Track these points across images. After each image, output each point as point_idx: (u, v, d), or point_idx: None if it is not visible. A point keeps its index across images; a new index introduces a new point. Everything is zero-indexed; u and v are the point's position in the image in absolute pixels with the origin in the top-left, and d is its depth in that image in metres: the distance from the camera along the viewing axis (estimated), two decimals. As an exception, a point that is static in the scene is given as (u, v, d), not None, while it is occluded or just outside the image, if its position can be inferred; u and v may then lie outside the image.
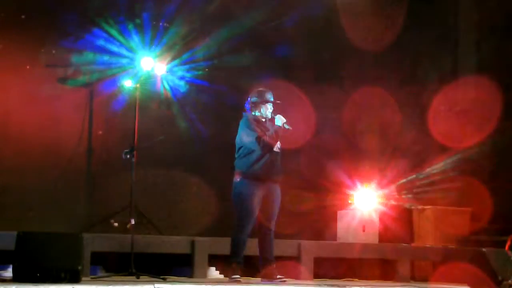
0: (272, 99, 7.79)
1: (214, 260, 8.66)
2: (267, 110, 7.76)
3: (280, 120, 7.67)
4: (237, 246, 7.63)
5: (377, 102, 11.16)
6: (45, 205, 9.27)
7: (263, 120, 7.78)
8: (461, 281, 8.38)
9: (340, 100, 10.78)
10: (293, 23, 10.67)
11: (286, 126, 7.64)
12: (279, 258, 7.98)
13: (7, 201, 9.12)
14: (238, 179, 7.66)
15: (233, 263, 7.61)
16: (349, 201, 10.59)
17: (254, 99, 7.81)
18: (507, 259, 8.26)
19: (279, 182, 7.75)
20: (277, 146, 7.69)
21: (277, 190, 7.72)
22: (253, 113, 7.78)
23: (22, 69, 9.38)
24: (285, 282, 7.67)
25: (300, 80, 10.37)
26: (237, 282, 7.45)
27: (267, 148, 7.60)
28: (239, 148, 7.73)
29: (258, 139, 7.58)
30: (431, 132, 11.12)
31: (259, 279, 7.74)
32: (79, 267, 6.53)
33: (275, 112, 7.78)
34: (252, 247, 7.83)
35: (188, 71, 10.23)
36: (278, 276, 7.65)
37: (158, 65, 9.70)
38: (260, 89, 7.87)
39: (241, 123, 7.78)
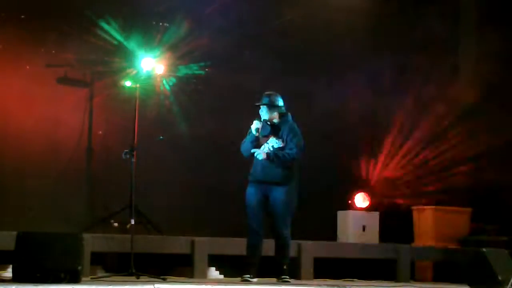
0: (263, 102, 7.91)
1: (214, 260, 8.67)
2: (262, 115, 7.91)
3: (253, 126, 7.85)
4: (247, 247, 7.82)
5: (378, 102, 11.16)
6: (45, 205, 9.26)
7: (268, 124, 7.89)
8: (461, 281, 8.39)
9: (341, 99, 10.76)
10: (293, 23, 10.66)
11: (256, 133, 7.82)
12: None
13: (7, 201, 9.11)
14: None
15: (244, 263, 7.79)
16: (349, 201, 10.59)
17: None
18: (507, 259, 8.26)
19: (280, 184, 7.77)
20: (269, 149, 7.76)
21: (276, 192, 7.76)
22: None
23: (22, 69, 9.38)
24: (288, 283, 7.72)
25: (300, 79, 10.36)
26: (246, 281, 7.57)
27: (246, 153, 7.84)
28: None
29: (241, 145, 7.95)
30: (432, 132, 11.12)
31: (269, 279, 7.89)
32: (79, 267, 6.53)
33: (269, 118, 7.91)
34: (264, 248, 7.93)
35: (188, 71, 10.22)
36: (282, 277, 7.77)
37: (158, 65, 9.70)
38: (266, 92, 8.02)
39: None
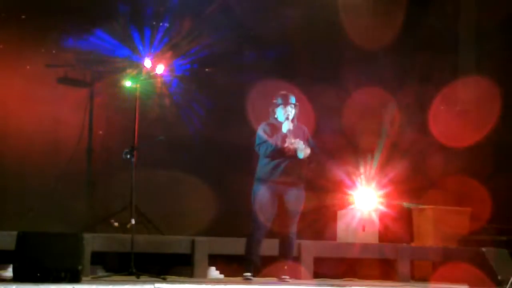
0: (280, 103, 7.78)
1: (214, 260, 8.67)
2: (285, 114, 7.76)
3: (285, 127, 7.68)
4: (251, 243, 7.74)
5: (377, 102, 11.16)
6: (45, 205, 9.26)
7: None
8: (461, 281, 8.39)
9: (340, 100, 10.77)
10: (293, 23, 10.66)
11: (289, 134, 7.64)
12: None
13: (7, 201, 9.12)
14: (254, 181, 7.81)
15: (245, 260, 7.74)
16: (349, 201, 10.59)
17: (274, 102, 7.86)
18: (507, 259, 8.27)
19: (296, 185, 7.76)
20: (294, 150, 7.67)
21: (292, 193, 7.74)
22: (274, 117, 7.83)
23: (22, 69, 9.38)
24: (288, 283, 7.71)
25: (300, 79, 10.36)
26: (247, 281, 7.53)
27: (271, 155, 7.68)
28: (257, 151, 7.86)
29: (257, 146, 7.76)
30: (431, 132, 11.13)
31: (271, 278, 7.87)
32: (79, 267, 6.54)
33: (292, 117, 7.78)
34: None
35: (188, 71, 10.23)
36: (282, 276, 7.76)
37: (158, 65, 9.71)
38: (281, 92, 7.90)
39: None
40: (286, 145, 7.65)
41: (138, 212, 8.65)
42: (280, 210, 7.75)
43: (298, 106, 7.87)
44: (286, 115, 7.76)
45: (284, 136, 7.65)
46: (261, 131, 7.79)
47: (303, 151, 7.67)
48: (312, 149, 7.79)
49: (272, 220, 7.76)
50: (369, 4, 11.33)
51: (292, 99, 7.83)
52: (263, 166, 7.77)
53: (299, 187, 7.80)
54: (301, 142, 7.69)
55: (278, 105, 7.81)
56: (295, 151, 7.69)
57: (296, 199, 7.77)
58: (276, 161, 7.70)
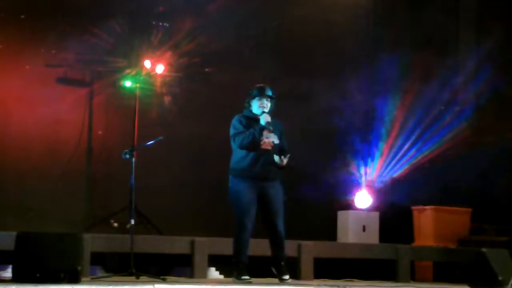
0: (256, 95, 7.56)
1: (214, 260, 8.67)
2: (261, 106, 7.55)
3: (264, 119, 7.48)
4: (240, 245, 7.49)
5: (378, 101, 11.17)
6: (45, 205, 9.27)
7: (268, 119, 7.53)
8: (461, 281, 8.39)
9: (340, 99, 10.77)
10: (293, 23, 10.66)
11: (268, 127, 7.44)
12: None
13: (7, 201, 9.12)
14: (230, 177, 7.59)
15: (239, 263, 7.49)
16: (349, 201, 10.59)
17: (249, 94, 7.67)
18: (507, 259, 8.26)
19: (276, 180, 7.58)
20: (270, 144, 7.49)
21: (273, 188, 7.54)
22: (249, 110, 7.63)
23: (22, 69, 9.38)
24: (288, 283, 7.66)
25: (300, 79, 10.37)
26: (248, 283, 7.34)
27: (246, 147, 7.46)
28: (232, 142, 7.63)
29: (233, 137, 7.51)
30: (431, 132, 11.13)
31: (271, 279, 7.74)
32: (79, 267, 6.52)
33: (268, 110, 7.56)
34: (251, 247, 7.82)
35: (188, 70, 10.23)
36: (283, 277, 7.57)
37: (158, 65, 9.71)
38: (257, 84, 7.69)
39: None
40: (262, 137, 7.44)
41: (138, 212, 8.64)
42: (264, 207, 7.52)
43: (275, 99, 7.61)
44: (262, 108, 7.53)
45: (262, 129, 7.43)
46: (237, 122, 7.56)
47: (280, 161, 7.45)
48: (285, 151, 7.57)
49: (257, 218, 7.52)
50: (369, 3, 11.33)
51: (269, 92, 7.60)
52: (239, 160, 7.51)
53: (279, 181, 7.60)
54: (276, 137, 7.50)
55: (253, 97, 7.59)
56: (271, 145, 7.49)
57: (279, 194, 7.56)
58: (254, 155, 7.46)
